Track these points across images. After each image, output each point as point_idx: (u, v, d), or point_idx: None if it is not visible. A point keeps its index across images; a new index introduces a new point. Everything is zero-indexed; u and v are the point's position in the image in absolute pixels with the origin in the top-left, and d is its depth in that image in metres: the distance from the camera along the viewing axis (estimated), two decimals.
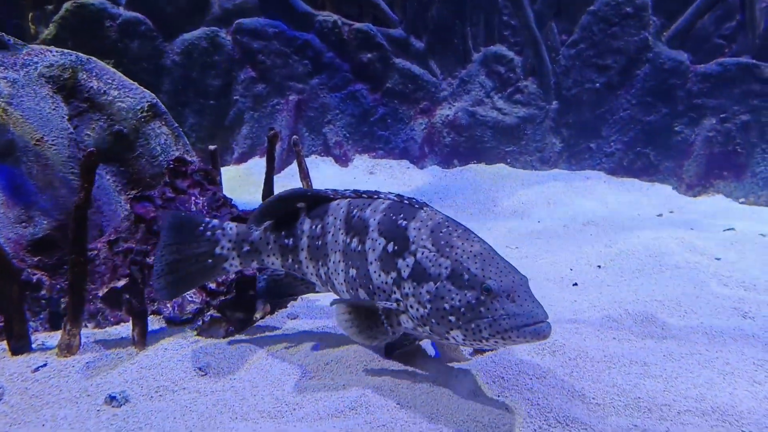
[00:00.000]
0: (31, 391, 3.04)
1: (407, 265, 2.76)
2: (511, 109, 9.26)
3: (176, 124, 5.08)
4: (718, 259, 5.36)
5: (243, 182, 8.57)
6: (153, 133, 4.83)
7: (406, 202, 2.96)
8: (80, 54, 4.76)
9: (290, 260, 3.30)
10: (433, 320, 2.66)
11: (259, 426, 2.76)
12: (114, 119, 4.67)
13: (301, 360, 3.38)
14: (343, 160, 9.51)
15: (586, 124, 8.97)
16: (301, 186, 5.60)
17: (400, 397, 2.92)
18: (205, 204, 4.13)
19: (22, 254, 3.89)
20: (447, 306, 2.60)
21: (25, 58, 4.47)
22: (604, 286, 4.88)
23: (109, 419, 2.82)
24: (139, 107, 4.78)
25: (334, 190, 3.24)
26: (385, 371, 3.15)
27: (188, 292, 3.79)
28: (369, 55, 9.40)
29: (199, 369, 3.26)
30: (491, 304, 2.50)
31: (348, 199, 3.13)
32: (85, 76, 4.64)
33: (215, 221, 3.40)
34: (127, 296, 3.48)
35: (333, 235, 3.09)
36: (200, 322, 3.74)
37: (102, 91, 4.65)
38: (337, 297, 3.17)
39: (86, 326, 3.76)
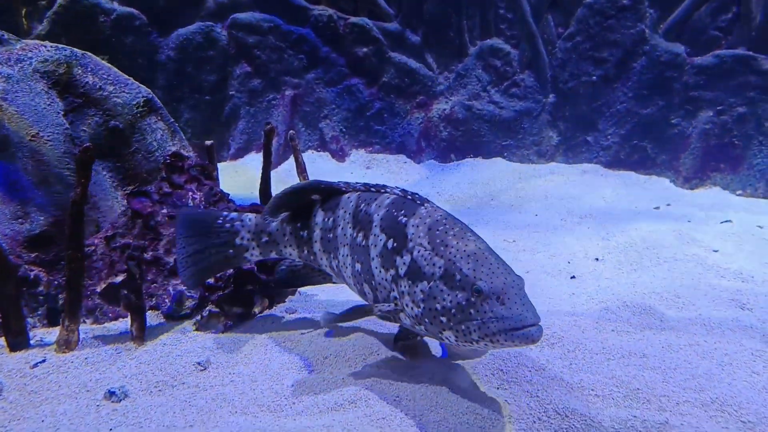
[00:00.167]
0: (29, 387, 3.03)
1: (404, 263, 2.74)
2: (508, 103, 9.24)
3: (172, 119, 5.05)
4: (716, 251, 5.37)
5: (240, 178, 8.55)
6: (149, 129, 4.81)
7: (409, 197, 2.92)
8: (75, 49, 4.73)
9: (306, 252, 3.33)
10: (427, 320, 2.64)
11: (259, 419, 2.75)
12: (110, 114, 4.64)
13: (300, 354, 3.38)
14: (339, 155, 9.49)
15: (582, 117, 8.97)
16: (299, 181, 5.58)
17: (400, 390, 2.93)
18: (202, 199, 4.11)
19: (19, 251, 3.87)
20: (439, 306, 2.57)
21: (20, 53, 4.44)
22: (602, 278, 4.89)
23: (109, 414, 2.81)
24: (134, 102, 4.75)
25: (346, 182, 3.22)
26: (385, 365, 3.16)
27: (186, 288, 3.78)
28: (365, 50, 9.37)
29: (198, 364, 3.26)
30: (480, 306, 2.45)
31: (358, 193, 3.12)
32: (80, 71, 4.61)
33: (234, 213, 3.49)
34: (125, 292, 3.46)
35: (342, 228, 3.09)
36: (199, 317, 3.73)
37: (97, 87, 4.62)
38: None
39: (84, 322, 3.75)
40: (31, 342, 3.47)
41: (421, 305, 2.64)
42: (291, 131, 6.50)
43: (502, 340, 2.40)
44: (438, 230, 2.71)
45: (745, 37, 8.14)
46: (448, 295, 2.54)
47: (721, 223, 6.33)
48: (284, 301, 4.15)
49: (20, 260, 3.83)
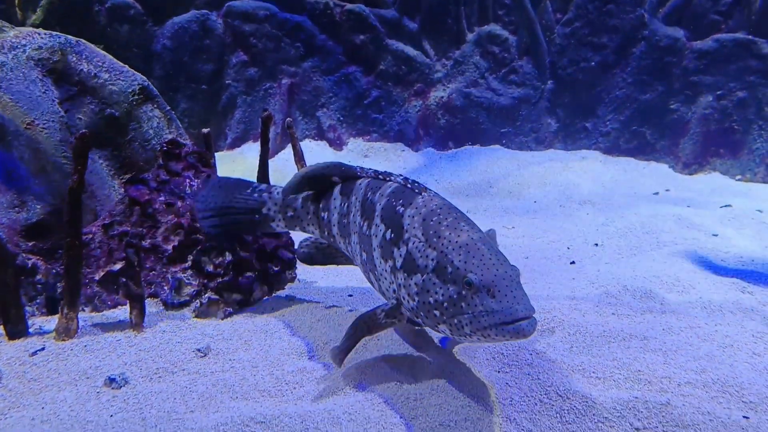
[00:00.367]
0: (29, 375, 3.02)
1: (400, 255, 2.68)
2: (506, 90, 9.20)
3: (168, 107, 5.00)
4: (715, 235, 5.37)
5: (237, 167, 8.51)
6: (145, 117, 4.77)
7: (409, 186, 2.86)
8: (69, 36, 4.68)
9: (326, 233, 3.34)
10: (422, 313, 2.57)
11: (260, 405, 2.75)
12: (105, 102, 4.60)
13: (300, 340, 3.37)
14: (337, 144, 9.45)
15: (581, 103, 8.93)
16: (297, 169, 5.56)
17: (401, 375, 2.92)
18: (200, 186, 4.08)
19: (16, 239, 3.85)
20: (432, 300, 2.50)
21: (13, 40, 4.39)
22: (602, 263, 4.89)
23: (109, 401, 2.80)
24: (130, 90, 4.71)
25: (362, 167, 3.19)
26: (386, 350, 3.15)
27: (185, 275, 3.77)
28: (362, 37, 9.31)
29: (198, 350, 3.25)
30: (471, 299, 2.36)
31: (368, 180, 3.07)
32: (74, 58, 4.56)
33: (263, 185, 3.63)
34: (124, 279, 3.44)
35: (353, 215, 3.06)
36: (198, 305, 3.71)
37: (92, 74, 4.57)
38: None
39: (83, 310, 3.73)
40: (30, 330, 3.45)
41: (416, 298, 2.58)
42: (288, 119, 6.46)
43: (493, 334, 2.31)
44: (432, 221, 2.63)
45: (745, 21, 8.10)
46: (441, 288, 2.47)
47: (721, 207, 6.33)
48: (283, 288, 4.14)
49: (18, 249, 3.81)
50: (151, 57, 8.74)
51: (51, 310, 3.78)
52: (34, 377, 3.01)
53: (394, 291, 2.77)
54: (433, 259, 2.53)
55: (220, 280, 3.76)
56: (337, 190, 3.22)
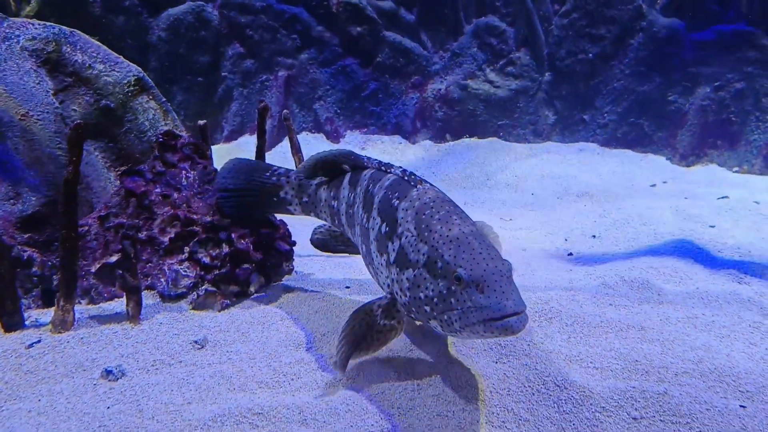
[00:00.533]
0: (25, 367, 3.01)
1: (393, 249, 2.64)
2: (504, 82, 9.17)
3: (164, 99, 4.97)
4: (713, 226, 5.38)
5: None
6: (141, 108, 4.73)
7: (406, 178, 2.82)
8: (63, 27, 4.64)
9: (336, 222, 3.34)
10: (414, 308, 2.53)
11: (257, 396, 2.74)
12: (101, 93, 4.57)
13: (297, 331, 3.37)
14: (334, 137, 9.41)
15: (579, 95, 8.91)
16: (294, 162, 5.54)
17: (399, 365, 2.92)
18: (196, 178, 4.06)
19: (12, 231, 3.82)
20: (422, 295, 2.45)
21: (6, 31, 4.35)
22: (600, 255, 4.89)
23: (106, 393, 2.79)
24: (125, 81, 4.68)
25: (368, 158, 3.17)
26: None
27: (182, 267, 3.75)
28: (359, 29, 9.26)
29: (196, 342, 3.24)
30: (460, 294, 2.29)
31: (372, 171, 3.05)
32: (69, 49, 4.52)
33: (282, 168, 3.67)
34: (120, 271, 3.43)
35: (357, 206, 3.04)
36: (195, 297, 3.70)
37: (87, 65, 4.54)
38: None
39: (80, 302, 3.71)
40: (26, 323, 3.44)
41: (408, 293, 2.53)
42: (285, 110, 6.43)
43: (482, 330, 2.25)
44: (425, 214, 2.57)
45: (743, 11, 8.07)
46: (431, 283, 2.41)
47: (718, 199, 6.33)
48: (281, 280, 4.13)
49: (14, 241, 3.79)
50: (147, 48, 8.68)
51: (47, 302, 3.76)
52: (31, 369, 3.00)
53: (388, 286, 2.73)
54: (424, 254, 2.47)
55: (217, 271, 3.75)
56: (346, 179, 3.21)
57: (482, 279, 2.27)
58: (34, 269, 3.77)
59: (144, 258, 3.81)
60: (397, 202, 2.72)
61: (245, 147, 8.82)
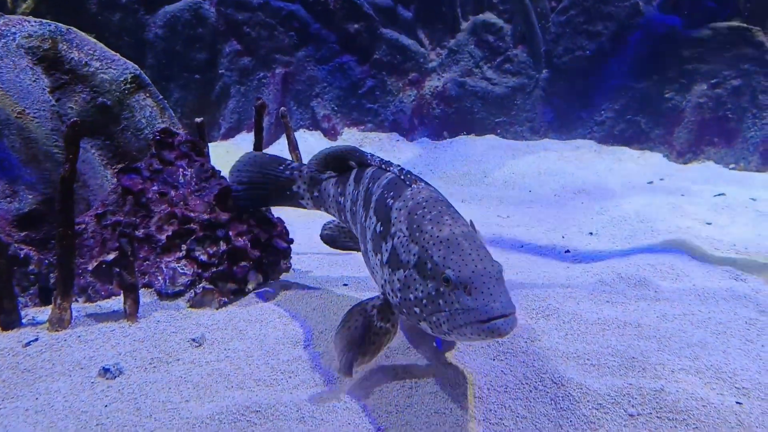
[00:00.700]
0: (22, 366, 3.00)
1: (386, 250, 2.62)
2: (501, 79, 9.17)
3: (161, 96, 4.96)
4: (709, 223, 5.39)
5: (231, 158, 8.40)
6: (137, 106, 4.72)
7: (402, 177, 2.79)
8: (60, 24, 4.62)
9: (342, 218, 3.34)
10: (404, 310, 2.50)
11: (255, 394, 2.74)
12: (97, 91, 4.55)
13: (295, 329, 3.37)
14: (332, 134, 9.40)
15: (576, 92, 8.92)
16: (291, 159, 5.53)
17: (396, 362, 2.92)
18: (194, 175, 4.06)
19: (8, 229, 3.81)
20: (412, 297, 2.41)
21: (2, 28, 4.33)
22: (597, 252, 4.90)
23: (104, 391, 2.79)
24: (122, 78, 4.66)
25: (372, 155, 3.16)
26: None
27: (179, 265, 3.75)
28: (356, 26, 9.24)
29: (193, 340, 3.24)
30: (448, 296, 2.26)
31: (374, 169, 3.04)
32: (65, 46, 4.50)
33: (295, 163, 3.70)
34: (118, 269, 3.42)
35: (359, 204, 3.03)
36: (192, 294, 3.70)
37: (84, 62, 4.52)
38: None
39: (77, 300, 3.71)
40: (23, 321, 3.43)
41: (398, 294, 2.49)
42: (282, 108, 6.42)
43: (469, 333, 2.21)
44: (417, 214, 2.54)
45: (740, 8, 8.07)
46: (420, 284, 2.38)
47: (715, 196, 6.35)
48: (278, 278, 4.13)
49: (10, 239, 3.78)
50: (144, 46, 8.66)
51: (44, 300, 3.76)
52: (28, 368, 2.99)
53: (382, 286, 2.71)
54: (414, 255, 2.44)
55: (214, 269, 3.75)
56: (352, 176, 3.20)
57: (470, 281, 2.23)
58: (31, 267, 3.77)
59: (141, 256, 3.80)
60: (392, 201, 2.70)
61: (242, 144, 8.81)
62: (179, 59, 8.82)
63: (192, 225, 3.81)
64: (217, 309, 3.66)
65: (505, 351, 3.02)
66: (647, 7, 8.48)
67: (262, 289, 3.97)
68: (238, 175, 3.83)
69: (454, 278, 2.26)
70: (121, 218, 3.84)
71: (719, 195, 6.36)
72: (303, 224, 5.85)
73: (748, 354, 2.99)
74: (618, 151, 8.62)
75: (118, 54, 4.83)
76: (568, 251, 4.95)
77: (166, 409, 2.64)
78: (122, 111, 4.66)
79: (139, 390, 2.80)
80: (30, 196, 3.93)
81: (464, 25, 9.37)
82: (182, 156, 4.10)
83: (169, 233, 3.80)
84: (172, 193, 3.92)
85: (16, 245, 3.77)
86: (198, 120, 4.63)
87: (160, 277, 3.75)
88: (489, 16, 9.28)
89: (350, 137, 9.40)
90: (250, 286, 3.89)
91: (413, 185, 2.72)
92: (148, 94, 4.83)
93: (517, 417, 2.55)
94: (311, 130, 9.46)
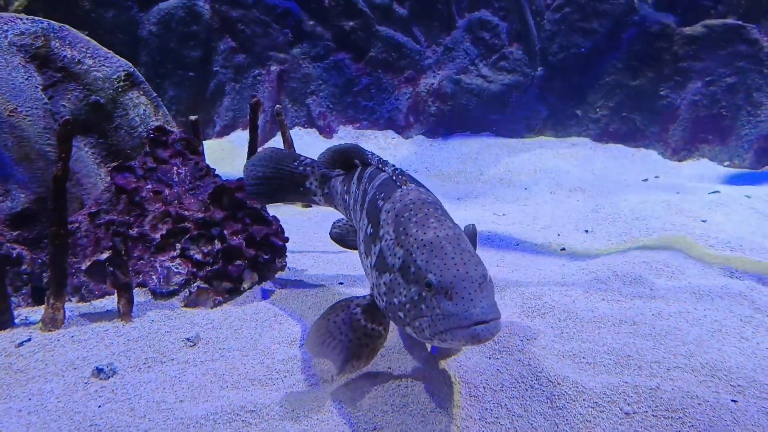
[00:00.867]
0: (15, 366, 2.98)
1: (374, 253, 2.58)
2: (496, 77, 9.16)
3: (155, 94, 4.93)
4: (704, 221, 5.40)
5: (226, 155, 8.44)
6: (131, 104, 4.69)
7: (393, 178, 2.76)
8: (52, 21, 4.58)
9: (349, 216, 3.31)
10: (390, 314, 2.45)
11: (250, 394, 2.73)
12: (90, 89, 4.52)
13: (290, 328, 3.35)
14: (327, 132, 9.38)
15: (572, 90, 8.91)
16: None
17: (392, 361, 2.91)
18: (188, 173, 4.03)
19: (1, 229, 3.78)
20: (396, 301, 2.36)
21: None
22: (592, 249, 4.90)
23: (97, 391, 2.77)
24: (115, 76, 4.63)
25: (373, 153, 3.13)
26: None
27: (174, 264, 3.73)
28: (351, 23, 9.21)
29: (188, 340, 3.22)
30: (430, 301, 2.21)
31: (372, 169, 3.02)
32: (58, 44, 4.47)
33: (310, 158, 3.64)
34: (111, 269, 3.40)
35: (358, 204, 3.00)
36: (187, 294, 3.68)
37: (76, 60, 4.49)
38: None
39: (70, 300, 3.69)
40: (16, 321, 3.41)
41: (384, 298, 2.44)
42: (277, 105, 6.40)
43: (449, 338, 2.17)
44: (403, 217, 2.49)
45: (734, 6, 8.08)
46: (404, 288, 2.33)
47: (710, 193, 6.36)
48: (274, 277, 4.11)
49: (2, 238, 3.75)
50: (137, 43, 8.61)
51: (37, 300, 3.73)
52: (21, 368, 2.97)
53: (371, 289, 2.67)
54: (399, 258, 2.39)
55: (209, 268, 3.73)
56: (356, 174, 3.18)
57: (451, 285, 2.19)
58: (23, 267, 3.74)
59: (135, 255, 3.78)
60: (382, 203, 2.67)
61: (238, 142, 8.77)
62: (173, 57, 8.77)
63: (186, 224, 3.79)
64: (211, 308, 3.64)
65: (501, 349, 3.02)
66: (642, 5, 8.48)
67: (258, 288, 3.95)
68: (253, 169, 3.78)
69: (435, 283, 2.21)
70: (115, 217, 3.81)
71: (714, 192, 6.37)
72: (298, 222, 5.83)
73: (743, 352, 2.99)
74: (613, 149, 8.62)
75: (111, 51, 4.80)
76: (563, 249, 4.95)
77: (160, 410, 2.62)
78: (116, 109, 4.63)
79: (133, 390, 2.78)
80: (22, 195, 3.90)
81: (460, 22, 9.36)
82: (176, 154, 4.08)
83: (164, 232, 3.78)
84: (167, 191, 3.90)
85: (8, 245, 3.74)
86: (192, 118, 4.61)
87: (154, 276, 3.73)
88: (484, 14, 9.27)
89: (346, 135, 9.38)
90: (245, 285, 3.87)
91: (403, 187, 2.67)
92: (141, 92, 4.80)
93: (513, 416, 2.54)
94: (307, 127, 9.43)
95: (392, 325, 2.81)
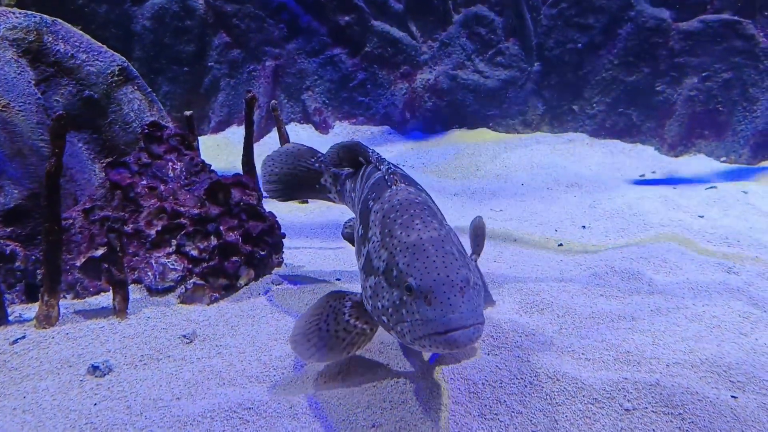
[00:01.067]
0: (9, 364, 2.95)
1: (363, 255, 2.54)
2: (493, 72, 9.13)
3: (149, 89, 4.89)
4: (701, 216, 5.40)
5: (222, 151, 8.39)
6: (125, 99, 4.65)
7: (386, 177, 2.70)
8: (45, 16, 4.53)
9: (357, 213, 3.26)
10: (376, 318, 2.41)
11: (248, 391, 2.71)
12: (83, 84, 4.47)
13: (287, 325, 3.33)
14: (323, 128, 9.33)
15: (568, 85, 8.89)
16: None
17: (390, 357, 2.90)
18: (183, 169, 4.00)
19: None
20: (380, 305, 2.31)
21: None
22: (590, 245, 4.89)
23: (93, 389, 2.75)
24: (109, 71, 4.58)
25: (373, 151, 3.10)
26: (375, 336, 3.11)
27: (169, 260, 3.70)
28: (347, 18, 9.16)
29: (184, 336, 3.19)
30: (410, 306, 2.17)
31: (371, 167, 2.99)
32: (50, 38, 4.42)
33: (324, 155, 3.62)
34: (106, 265, 3.37)
35: (358, 203, 2.97)
36: (183, 290, 3.65)
37: (69, 55, 4.44)
38: None
39: (65, 297, 3.65)
40: (10, 318, 3.37)
41: (370, 302, 2.40)
42: (273, 101, 6.36)
43: (428, 344, 2.14)
44: (389, 218, 2.44)
45: (730, 1, 8.07)
46: (387, 292, 2.28)
47: (706, 189, 6.36)
48: (270, 273, 4.09)
49: None
50: (131, 38, 8.53)
51: (31, 297, 3.69)
52: (15, 366, 2.94)
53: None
54: (383, 261, 2.34)
55: (205, 264, 3.70)
56: (360, 173, 3.14)
57: (431, 290, 2.14)
58: (17, 264, 3.70)
59: (130, 251, 3.75)
60: (372, 203, 2.63)
61: (233, 138, 8.72)
62: (167, 52, 8.70)
63: (182, 220, 3.76)
64: (208, 305, 3.61)
65: (500, 345, 3.01)
66: (638, 0, 8.46)
67: (254, 285, 3.93)
68: (271, 164, 3.76)
69: (415, 287, 2.17)
70: (110, 213, 3.78)
71: (711, 188, 6.38)
72: (295, 218, 5.79)
73: (742, 347, 2.98)
74: (610, 144, 8.61)
75: (104, 46, 4.75)
76: (561, 244, 4.94)
77: (156, 407, 2.59)
78: (109, 104, 4.58)
79: (129, 388, 2.75)
80: (15, 191, 3.86)
81: (456, 17, 9.31)
82: (171, 150, 4.04)
83: (159, 228, 3.74)
84: (162, 187, 3.86)
85: (1, 241, 3.70)
86: (187, 113, 4.57)
87: (149, 273, 3.70)
88: (480, 9, 9.23)
89: (342, 131, 9.34)
90: (241, 282, 3.85)
91: (393, 186, 2.61)
92: (135, 87, 4.76)
93: (513, 412, 2.53)
94: (302, 123, 9.38)
95: None
